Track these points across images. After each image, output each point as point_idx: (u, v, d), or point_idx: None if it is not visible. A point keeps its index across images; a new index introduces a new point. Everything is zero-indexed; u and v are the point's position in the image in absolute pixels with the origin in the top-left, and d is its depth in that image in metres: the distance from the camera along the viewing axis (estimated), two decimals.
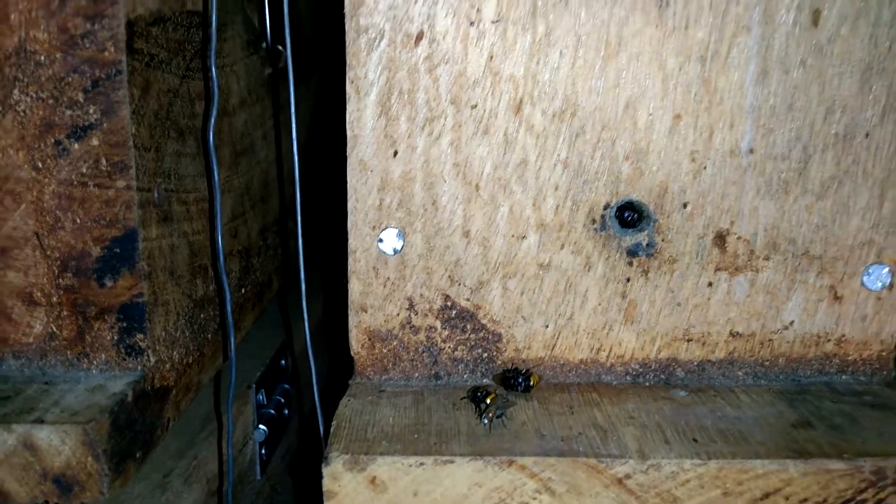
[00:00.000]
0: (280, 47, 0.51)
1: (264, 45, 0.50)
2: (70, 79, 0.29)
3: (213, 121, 0.32)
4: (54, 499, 0.28)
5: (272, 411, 0.56)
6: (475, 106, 0.34)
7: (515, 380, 0.35)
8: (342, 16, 0.33)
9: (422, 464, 0.29)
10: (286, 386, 0.59)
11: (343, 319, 0.37)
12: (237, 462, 0.50)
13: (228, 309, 0.33)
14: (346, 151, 0.34)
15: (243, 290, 0.44)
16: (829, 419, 0.32)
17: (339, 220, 0.37)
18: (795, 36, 0.33)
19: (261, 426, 0.54)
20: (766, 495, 0.29)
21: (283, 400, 0.58)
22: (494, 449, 0.30)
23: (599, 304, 0.36)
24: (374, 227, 0.35)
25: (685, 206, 0.34)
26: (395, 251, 0.35)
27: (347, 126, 0.34)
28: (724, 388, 0.36)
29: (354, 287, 0.36)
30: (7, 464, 0.27)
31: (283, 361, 0.60)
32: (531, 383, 0.34)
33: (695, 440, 0.31)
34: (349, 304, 0.36)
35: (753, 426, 0.32)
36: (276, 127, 0.53)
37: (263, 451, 0.54)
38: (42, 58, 0.28)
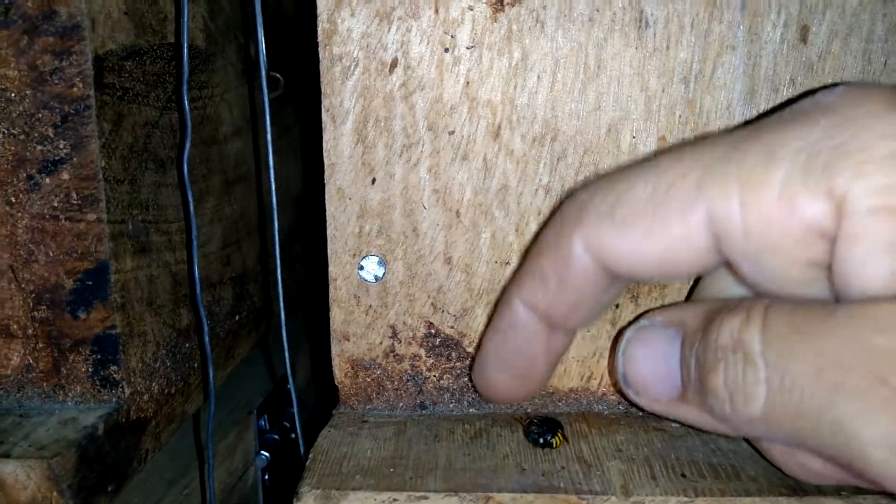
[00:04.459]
0: (277, 75, 0.51)
1: (261, 72, 0.50)
2: (40, 115, 0.29)
3: (187, 152, 0.32)
4: None
5: (276, 437, 0.55)
6: (453, 132, 0.33)
7: (538, 433, 0.32)
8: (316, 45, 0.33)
9: (395, 500, 0.29)
10: (292, 410, 0.58)
11: None
12: (236, 489, 0.49)
13: (207, 340, 0.33)
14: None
15: (237, 318, 0.44)
16: None
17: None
18: (784, 53, 0.32)
19: (263, 452, 0.53)
20: None
21: (288, 425, 0.57)
22: (471, 485, 0.29)
23: (588, 332, 0.35)
24: (354, 254, 0.35)
25: None
26: (377, 278, 0.35)
27: (324, 154, 0.34)
28: None
29: (336, 315, 0.35)
30: None
31: (289, 386, 0.60)
32: (552, 444, 0.32)
33: (683, 475, 0.30)
34: (331, 332, 0.35)
35: (747, 460, 0.31)
36: (279, 153, 0.53)
37: (267, 478, 0.54)
38: (13, 94, 0.29)
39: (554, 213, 0.30)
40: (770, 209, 0.23)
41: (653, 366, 0.28)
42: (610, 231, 0.26)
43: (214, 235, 0.41)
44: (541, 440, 0.32)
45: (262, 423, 0.53)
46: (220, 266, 0.41)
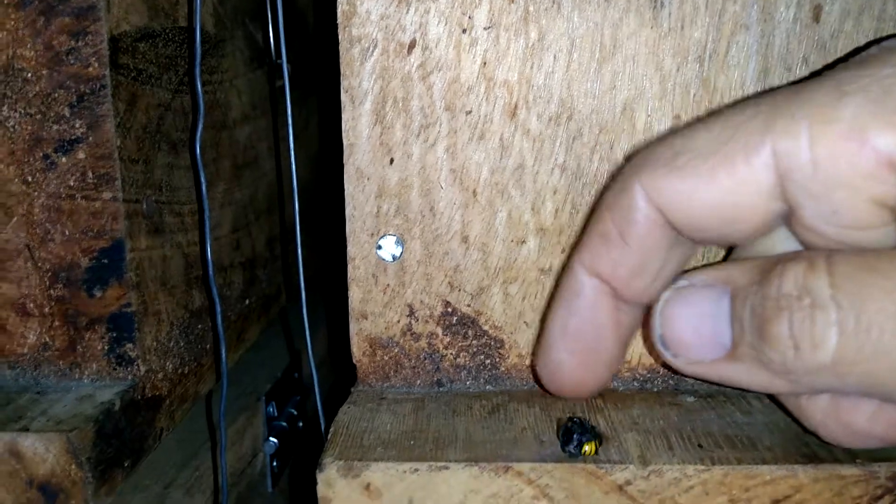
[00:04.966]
0: (285, 62, 0.51)
1: (269, 60, 0.50)
2: (56, 94, 0.29)
3: (199, 133, 0.32)
4: None
5: (284, 424, 0.55)
6: (470, 112, 0.33)
7: (571, 437, 0.29)
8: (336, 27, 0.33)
9: (416, 470, 0.29)
10: (299, 398, 0.58)
11: None
12: (245, 475, 0.49)
13: (219, 320, 0.33)
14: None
15: (247, 302, 0.44)
16: None
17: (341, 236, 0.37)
18: (796, 33, 0.32)
19: (271, 438, 0.53)
20: (776, 502, 0.28)
21: (296, 412, 0.57)
22: (491, 455, 0.29)
23: None
24: (372, 234, 0.35)
25: None
26: (394, 258, 0.35)
27: (343, 135, 0.34)
28: (735, 394, 0.35)
29: (354, 294, 0.35)
30: None
31: (296, 373, 0.60)
32: (582, 450, 0.29)
33: (700, 446, 0.30)
34: (349, 311, 0.36)
35: (763, 432, 0.31)
36: (287, 139, 0.53)
37: (275, 464, 0.54)
38: (29, 75, 0.29)
39: (613, 175, 0.30)
40: (840, 142, 0.22)
41: (695, 325, 0.27)
42: (670, 176, 0.25)
43: (225, 219, 0.41)
44: (573, 446, 0.29)
45: (271, 409, 0.54)
46: (230, 250, 0.41)
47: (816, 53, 0.32)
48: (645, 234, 0.26)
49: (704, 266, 0.29)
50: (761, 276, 0.25)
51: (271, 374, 0.54)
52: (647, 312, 0.30)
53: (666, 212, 0.26)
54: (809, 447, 0.29)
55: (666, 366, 0.34)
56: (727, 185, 0.24)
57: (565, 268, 0.30)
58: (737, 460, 0.28)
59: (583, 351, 0.30)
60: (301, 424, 0.58)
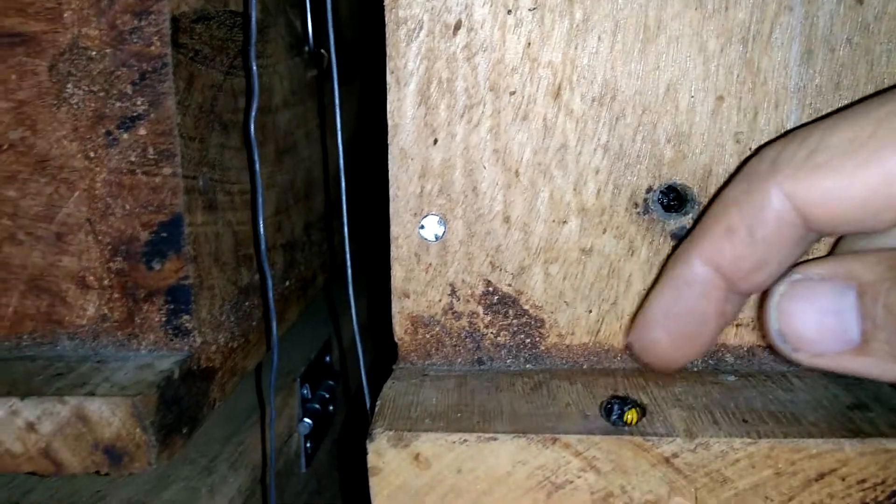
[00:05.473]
0: (323, 51, 0.52)
1: (307, 48, 0.51)
2: (119, 72, 0.30)
3: (254, 113, 0.33)
4: (105, 469, 0.29)
5: (317, 406, 0.56)
6: (514, 92, 0.34)
7: (612, 408, 0.30)
8: (382, 9, 0.34)
9: (465, 441, 0.29)
10: (331, 382, 0.59)
11: (385, 318, 0.37)
12: (282, 453, 0.50)
13: (270, 294, 0.34)
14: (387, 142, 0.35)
15: (287, 283, 0.45)
16: (888, 402, 0.31)
17: (380, 220, 0.37)
18: (840, 14, 0.33)
19: (305, 419, 0.54)
20: (821, 476, 0.29)
21: (327, 395, 0.58)
22: (538, 427, 0.30)
23: (644, 289, 0.35)
24: (415, 213, 0.35)
25: None
26: (437, 237, 0.36)
27: (388, 115, 0.35)
28: (775, 373, 0.35)
29: (397, 273, 0.36)
30: (61, 434, 0.28)
31: (327, 358, 0.61)
32: (624, 418, 0.30)
33: (745, 421, 0.30)
34: (392, 290, 0.36)
35: (806, 408, 0.31)
36: (321, 128, 0.54)
37: (308, 445, 0.55)
38: (93, 53, 0.30)
39: (736, 173, 0.30)
40: None
41: (818, 319, 0.27)
42: (813, 176, 0.25)
43: (269, 201, 0.42)
44: (616, 414, 0.30)
45: (305, 391, 0.54)
46: (273, 231, 0.42)
47: (860, 35, 0.33)
48: (776, 231, 0.27)
49: (816, 259, 0.29)
50: (892, 273, 0.25)
51: (305, 356, 0.55)
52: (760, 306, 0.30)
53: (805, 210, 0.26)
54: (854, 422, 0.30)
55: None
56: (878, 179, 0.24)
57: (678, 256, 0.30)
58: (783, 434, 0.29)
59: (682, 335, 0.30)
60: (332, 408, 0.58)
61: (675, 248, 0.34)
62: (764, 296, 0.29)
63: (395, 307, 0.36)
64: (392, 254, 0.36)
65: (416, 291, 0.36)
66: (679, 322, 0.30)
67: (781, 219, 0.26)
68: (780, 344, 0.28)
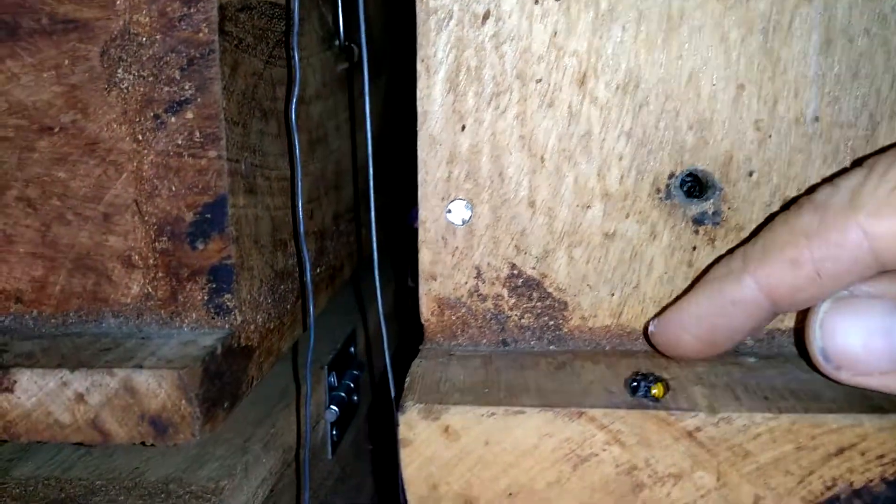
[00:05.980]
0: (353, 45, 0.53)
1: (338, 42, 0.52)
2: (168, 58, 0.31)
3: (294, 100, 0.34)
4: (150, 440, 0.30)
5: (343, 395, 0.58)
6: (540, 80, 0.35)
7: (639, 384, 0.31)
8: (412, 1, 0.35)
9: (493, 414, 0.30)
10: (355, 372, 0.61)
11: (408, 311, 0.38)
12: (310, 440, 0.51)
13: (308, 275, 0.35)
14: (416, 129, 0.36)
15: (318, 270, 0.47)
16: None
17: (403, 215, 0.39)
18: (858, 5, 0.34)
19: (332, 407, 0.56)
20: (841, 450, 0.29)
21: (352, 385, 0.60)
22: (564, 402, 0.31)
23: (665, 273, 0.36)
24: (442, 198, 0.37)
25: (751, 174, 0.35)
26: (464, 221, 0.37)
27: (418, 103, 0.36)
28: (794, 356, 0.36)
29: (424, 256, 0.37)
30: (109, 406, 0.30)
31: (352, 348, 0.62)
32: (650, 392, 0.31)
33: (766, 398, 0.31)
34: (419, 272, 0.37)
35: (825, 387, 0.32)
36: (350, 120, 0.56)
37: (335, 433, 0.56)
38: (143, 39, 0.31)
39: (798, 198, 0.29)
40: None
41: (865, 338, 0.27)
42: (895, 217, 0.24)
43: (302, 189, 0.43)
44: (642, 389, 0.31)
45: (332, 379, 0.56)
46: (306, 219, 0.44)
47: (878, 25, 0.34)
48: (846, 271, 0.26)
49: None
50: None
51: (332, 345, 0.57)
52: (802, 321, 0.30)
53: (882, 248, 0.25)
54: (872, 400, 0.30)
55: None
56: None
57: (730, 273, 0.30)
58: (804, 409, 0.30)
59: (711, 342, 0.31)
60: (356, 398, 0.60)
61: (696, 234, 0.35)
62: (806, 310, 0.29)
63: (423, 289, 0.38)
64: (420, 237, 0.37)
65: (442, 274, 0.37)
66: (712, 331, 0.30)
67: (855, 258, 0.25)
68: (822, 362, 0.28)
